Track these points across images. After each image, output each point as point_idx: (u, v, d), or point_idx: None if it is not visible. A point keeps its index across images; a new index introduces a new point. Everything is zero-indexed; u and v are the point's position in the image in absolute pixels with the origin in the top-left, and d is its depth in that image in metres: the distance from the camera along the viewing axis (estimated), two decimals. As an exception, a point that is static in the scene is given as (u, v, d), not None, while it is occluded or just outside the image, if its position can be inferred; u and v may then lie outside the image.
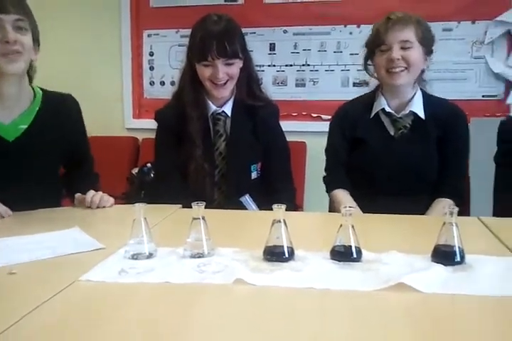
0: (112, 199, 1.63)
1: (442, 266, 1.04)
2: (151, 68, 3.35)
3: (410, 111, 1.74)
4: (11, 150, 1.55)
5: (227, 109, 1.80)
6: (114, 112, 3.35)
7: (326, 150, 1.91)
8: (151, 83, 3.35)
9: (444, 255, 1.07)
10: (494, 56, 2.95)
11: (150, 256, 1.11)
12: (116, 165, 2.93)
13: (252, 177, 1.82)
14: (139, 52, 3.34)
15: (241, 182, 1.79)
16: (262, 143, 1.83)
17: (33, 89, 1.62)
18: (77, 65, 3.35)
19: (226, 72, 1.70)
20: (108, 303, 0.89)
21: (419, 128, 1.74)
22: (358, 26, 3.05)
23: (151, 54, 3.34)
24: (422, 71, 1.75)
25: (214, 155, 1.80)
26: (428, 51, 1.72)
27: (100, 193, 1.62)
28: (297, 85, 3.17)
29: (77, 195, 1.64)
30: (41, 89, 1.65)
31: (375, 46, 1.72)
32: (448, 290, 0.93)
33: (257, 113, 1.82)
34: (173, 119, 1.77)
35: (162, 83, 3.33)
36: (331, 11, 3.06)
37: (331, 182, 1.88)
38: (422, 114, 1.74)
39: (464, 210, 1.78)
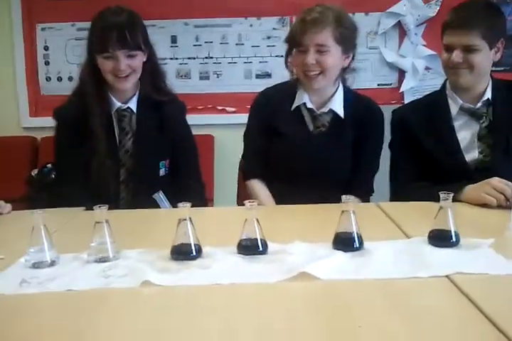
0: (9, 206, 1.55)
1: (342, 252, 1.09)
2: (47, 63, 3.19)
3: (330, 109, 1.74)
4: None
5: (132, 104, 1.77)
6: (9, 111, 3.17)
7: (244, 136, 1.87)
8: (48, 79, 3.20)
9: (344, 242, 1.12)
10: (387, 46, 3.10)
11: (52, 263, 1.07)
12: (13, 166, 2.78)
13: (161, 174, 1.81)
14: (32, 46, 3.17)
15: (149, 180, 1.77)
16: (170, 140, 1.81)
17: None
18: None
19: (128, 64, 1.66)
20: (8, 316, 0.86)
21: (337, 127, 1.75)
22: (259, 18, 3.09)
23: (46, 48, 3.19)
24: (345, 68, 1.74)
25: (119, 152, 1.76)
26: (348, 49, 1.69)
27: None
28: (201, 78, 3.16)
29: None
30: None
31: (292, 46, 1.70)
32: (346, 276, 0.98)
33: (163, 109, 1.80)
34: (74, 116, 1.71)
35: (59, 79, 3.19)
36: (231, 3, 3.07)
37: (248, 171, 1.88)
38: (341, 113, 1.74)
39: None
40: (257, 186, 1.81)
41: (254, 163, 1.85)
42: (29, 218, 1.09)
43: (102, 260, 1.08)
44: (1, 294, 0.94)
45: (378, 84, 3.11)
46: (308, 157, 1.74)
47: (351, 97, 1.78)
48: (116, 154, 1.75)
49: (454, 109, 1.69)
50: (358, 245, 1.12)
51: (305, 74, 1.68)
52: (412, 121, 1.73)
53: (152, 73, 1.78)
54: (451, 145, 1.67)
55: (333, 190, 1.70)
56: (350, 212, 1.12)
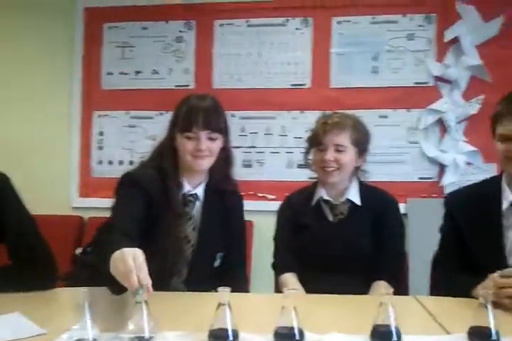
0: None
1: (381, 345, 1.08)
2: (100, 148, 3.39)
3: (346, 198, 1.90)
4: None
5: (199, 191, 1.76)
6: (61, 190, 3.33)
7: (274, 238, 2.00)
8: (99, 162, 3.39)
9: (382, 335, 1.11)
10: (428, 141, 3.15)
11: (93, 342, 1.09)
12: (59, 244, 2.86)
13: (215, 266, 1.77)
14: (88, 131, 3.39)
15: (203, 273, 1.74)
16: (229, 232, 1.80)
17: None
18: (23, 141, 3.37)
19: (208, 146, 1.67)
20: None
21: (354, 214, 1.90)
22: (302, 112, 3.24)
23: (101, 134, 3.40)
24: (358, 167, 1.93)
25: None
26: (362, 151, 1.91)
27: None
28: (244, 166, 3.27)
29: None
30: None
31: (313, 145, 1.92)
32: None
33: (227, 199, 1.80)
34: (154, 184, 1.66)
35: (110, 162, 3.37)
36: (276, 98, 3.25)
37: (278, 267, 1.94)
38: (357, 201, 1.90)
39: (403, 289, 1.84)
40: (290, 280, 1.85)
41: (284, 260, 1.94)
42: (73, 295, 1.13)
43: (139, 340, 1.09)
44: (41, 370, 0.96)
45: (419, 178, 3.15)
46: (331, 244, 1.86)
47: (366, 189, 1.94)
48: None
49: (504, 204, 1.58)
50: (396, 338, 1.10)
51: (323, 170, 1.88)
52: (461, 213, 1.66)
53: (226, 160, 1.78)
54: (495, 245, 1.56)
55: (360, 275, 1.83)
56: (388, 305, 1.11)
